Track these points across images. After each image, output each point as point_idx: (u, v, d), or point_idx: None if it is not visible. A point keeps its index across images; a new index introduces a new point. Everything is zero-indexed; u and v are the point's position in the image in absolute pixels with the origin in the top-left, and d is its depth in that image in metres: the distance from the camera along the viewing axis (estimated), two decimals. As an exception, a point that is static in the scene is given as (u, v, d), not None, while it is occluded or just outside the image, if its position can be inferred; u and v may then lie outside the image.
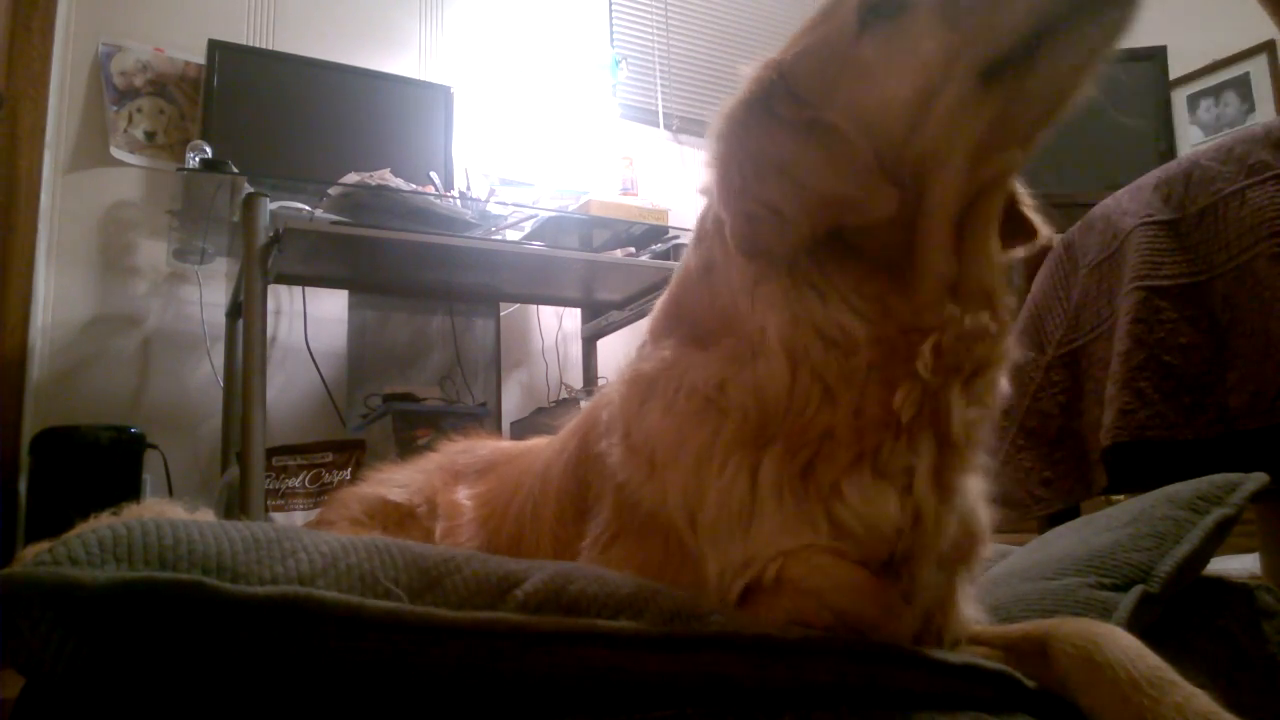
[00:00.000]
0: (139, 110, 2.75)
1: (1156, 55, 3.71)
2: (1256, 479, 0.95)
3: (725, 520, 0.63)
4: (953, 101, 0.61)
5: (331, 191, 2.40)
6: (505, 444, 1.16)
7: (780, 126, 0.66)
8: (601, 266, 2.70)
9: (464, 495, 1.03)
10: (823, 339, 0.63)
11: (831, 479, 0.63)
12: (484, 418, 2.66)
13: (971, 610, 0.74)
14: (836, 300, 0.64)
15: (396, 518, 1.04)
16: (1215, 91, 4.07)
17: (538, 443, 1.01)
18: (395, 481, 1.09)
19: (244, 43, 2.88)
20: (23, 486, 2.35)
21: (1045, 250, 1.79)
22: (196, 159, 2.40)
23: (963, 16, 0.61)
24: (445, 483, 1.06)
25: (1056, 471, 1.59)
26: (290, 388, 2.80)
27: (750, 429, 0.64)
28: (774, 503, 0.63)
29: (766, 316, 0.65)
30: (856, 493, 0.62)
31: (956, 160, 0.62)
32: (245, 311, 2.18)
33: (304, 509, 2.39)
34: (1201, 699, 0.59)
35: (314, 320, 2.83)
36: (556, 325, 3.24)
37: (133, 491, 2.29)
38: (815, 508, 0.62)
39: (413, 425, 2.49)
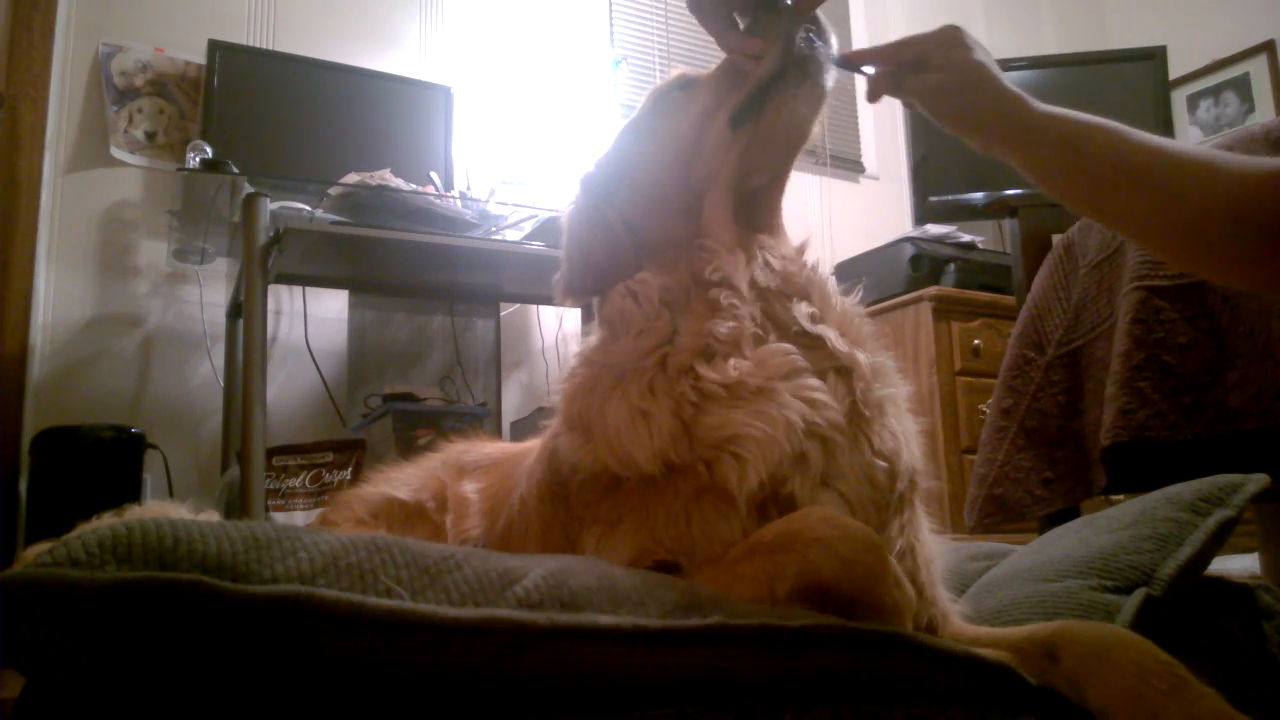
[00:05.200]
0: (139, 110, 2.75)
1: (1156, 55, 3.71)
2: (1258, 480, 0.95)
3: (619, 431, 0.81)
4: (715, 139, 0.89)
5: (331, 191, 2.40)
6: (508, 444, 1.21)
7: (584, 217, 0.95)
8: (601, 266, 2.68)
9: (471, 490, 1.09)
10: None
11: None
12: (484, 418, 2.66)
13: (944, 592, 0.82)
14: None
15: (403, 516, 1.06)
16: (1215, 91, 4.06)
17: (537, 442, 1.02)
18: (400, 480, 1.12)
19: (244, 43, 2.88)
20: (23, 486, 2.35)
21: (1044, 250, 1.79)
22: (196, 159, 2.40)
23: (723, 81, 0.91)
24: (452, 478, 1.10)
25: (1056, 471, 1.60)
26: (290, 387, 2.80)
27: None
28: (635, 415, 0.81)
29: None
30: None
31: (723, 181, 0.88)
32: (245, 311, 2.18)
33: (304, 509, 2.39)
34: (1213, 698, 0.59)
35: (314, 320, 2.83)
36: (556, 325, 3.24)
37: (133, 492, 2.29)
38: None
39: (413, 425, 2.49)
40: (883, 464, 0.78)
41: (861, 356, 0.82)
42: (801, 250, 0.92)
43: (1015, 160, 0.94)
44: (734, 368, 0.78)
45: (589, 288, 0.93)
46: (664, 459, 0.77)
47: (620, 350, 0.83)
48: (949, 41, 0.92)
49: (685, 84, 0.95)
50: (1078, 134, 0.90)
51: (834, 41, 0.90)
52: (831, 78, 0.90)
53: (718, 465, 0.75)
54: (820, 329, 0.82)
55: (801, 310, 0.83)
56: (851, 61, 0.93)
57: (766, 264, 0.85)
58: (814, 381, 0.79)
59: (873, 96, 0.97)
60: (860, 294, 0.92)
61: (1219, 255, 0.90)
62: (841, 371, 0.81)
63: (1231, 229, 0.87)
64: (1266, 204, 0.85)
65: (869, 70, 0.95)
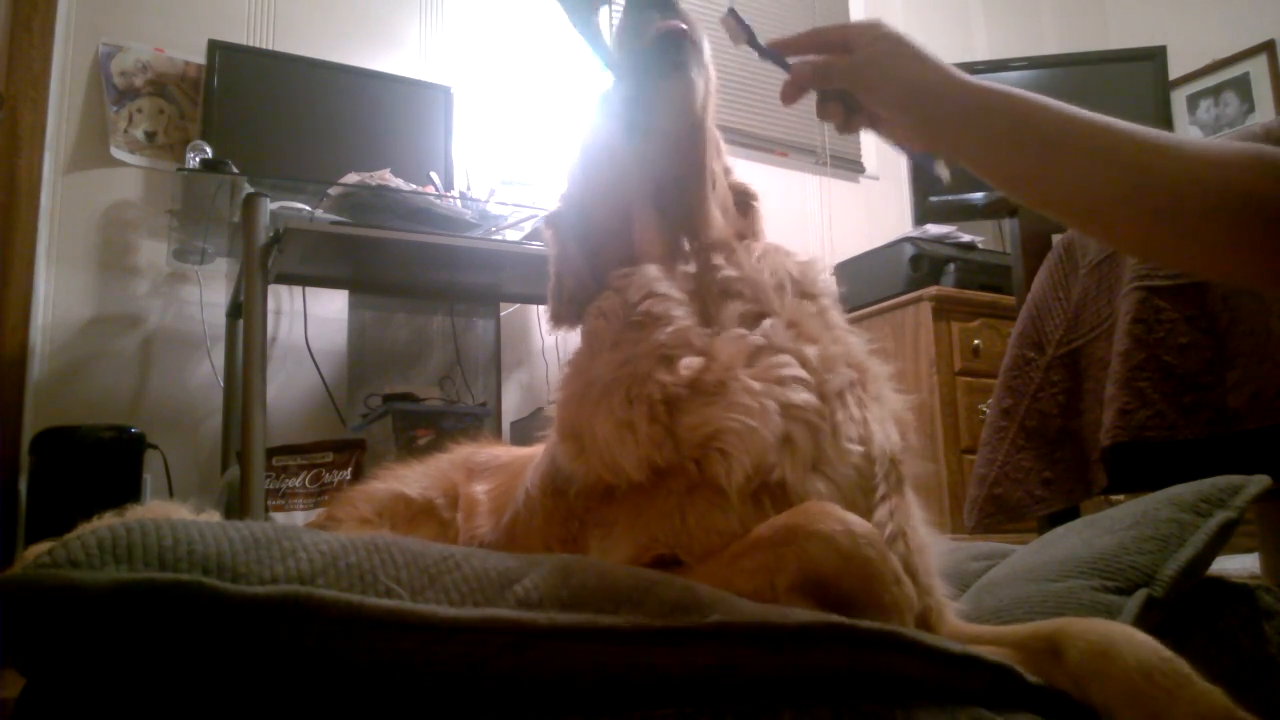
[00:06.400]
0: (139, 110, 2.75)
1: (1156, 55, 3.71)
2: (1259, 481, 0.95)
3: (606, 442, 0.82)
4: (620, 158, 0.90)
5: (331, 191, 2.40)
6: (516, 448, 1.23)
7: (554, 253, 1.00)
8: (601, 266, 2.69)
9: (480, 490, 1.11)
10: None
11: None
12: (484, 418, 2.66)
13: (940, 582, 0.82)
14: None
15: (409, 514, 1.08)
16: (1215, 91, 4.07)
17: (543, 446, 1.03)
18: (410, 477, 1.14)
19: (244, 43, 2.88)
20: (23, 486, 2.35)
21: (1044, 250, 1.79)
22: (196, 159, 2.40)
23: (614, 95, 0.93)
24: (462, 479, 1.12)
25: (1056, 471, 1.59)
26: (290, 388, 2.80)
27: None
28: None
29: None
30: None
31: (643, 194, 0.90)
32: (245, 311, 2.18)
33: (304, 509, 2.39)
34: (1217, 695, 0.59)
35: (314, 320, 2.83)
36: (556, 325, 3.24)
37: (133, 491, 2.29)
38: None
39: (413, 425, 2.49)
40: (858, 448, 0.79)
41: (810, 350, 0.82)
42: (743, 234, 0.93)
43: (951, 139, 0.88)
44: (685, 367, 0.78)
45: (565, 315, 0.98)
46: (651, 464, 0.78)
47: (599, 365, 0.85)
48: (873, 28, 0.89)
49: (599, 104, 0.96)
50: (1023, 106, 0.85)
51: (693, 28, 0.88)
52: (700, 63, 0.88)
53: (706, 463, 0.76)
54: (756, 333, 0.82)
55: (731, 310, 0.84)
56: (778, 51, 0.90)
57: (687, 270, 0.86)
58: (782, 358, 0.80)
59: (789, 95, 0.91)
60: (827, 271, 0.93)
61: (1187, 240, 0.84)
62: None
63: (1203, 212, 0.81)
64: (1237, 186, 0.80)
65: (791, 60, 0.92)
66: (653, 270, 0.85)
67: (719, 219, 0.92)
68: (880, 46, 0.87)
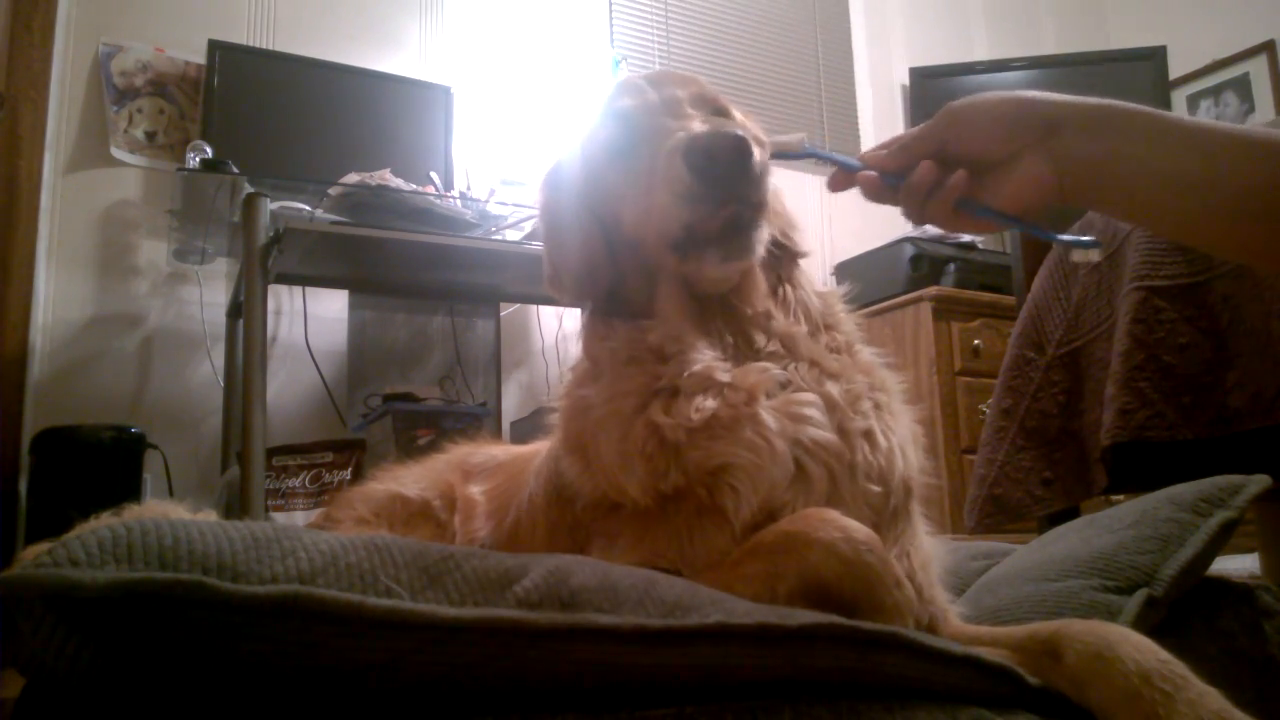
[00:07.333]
0: (139, 110, 2.75)
1: (1156, 55, 3.71)
2: (1259, 481, 0.94)
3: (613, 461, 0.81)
4: (657, 250, 0.83)
5: (331, 191, 2.40)
6: (514, 447, 1.22)
7: (546, 215, 0.98)
8: (601, 266, 2.69)
9: (477, 491, 1.10)
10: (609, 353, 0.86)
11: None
12: (484, 418, 2.66)
13: (940, 592, 0.81)
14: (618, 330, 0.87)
15: (406, 515, 1.07)
16: (1215, 91, 4.07)
17: (542, 445, 1.03)
18: (408, 479, 1.13)
19: (244, 43, 2.88)
20: (23, 486, 2.35)
21: (1044, 250, 1.79)
22: (196, 159, 2.40)
23: (658, 177, 0.81)
24: (459, 480, 1.11)
25: (1056, 471, 1.59)
26: (290, 387, 2.80)
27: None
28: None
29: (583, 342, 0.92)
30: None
31: (668, 276, 0.85)
32: (245, 311, 2.18)
33: (304, 509, 2.39)
34: (1214, 697, 0.59)
35: (314, 320, 2.83)
36: (556, 325, 3.24)
37: (133, 491, 2.29)
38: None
39: (413, 425, 2.49)
40: (876, 489, 0.78)
41: (833, 388, 0.81)
42: (775, 287, 0.88)
43: (1074, 155, 0.75)
44: (697, 409, 0.77)
45: (570, 288, 0.91)
46: (657, 491, 0.78)
47: (602, 389, 0.84)
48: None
49: (628, 127, 0.87)
50: (1145, 109, 0.73)
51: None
52: (766, 222, 0.82)
53: (716, 491, 0.76)
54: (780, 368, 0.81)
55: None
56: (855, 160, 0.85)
57: (725, 341, 0.83)
58: (805, 396, 0.79)
59: (876, 192, 0.86)
60: (846, 293, 0.92)
61: None
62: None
63: None
64: None
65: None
66: (679, 326, 0.83)
67: (760, 300, 0.87)
68: (959, 101, 0.79)
